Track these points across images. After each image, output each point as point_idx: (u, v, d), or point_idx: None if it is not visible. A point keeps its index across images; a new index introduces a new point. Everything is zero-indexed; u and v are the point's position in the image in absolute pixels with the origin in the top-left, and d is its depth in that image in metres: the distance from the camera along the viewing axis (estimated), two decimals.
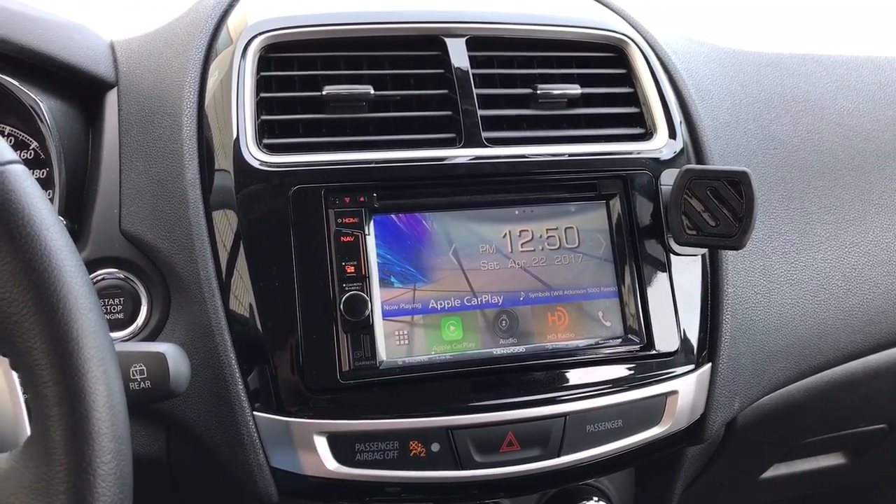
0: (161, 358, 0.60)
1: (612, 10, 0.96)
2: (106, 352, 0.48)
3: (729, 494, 1.17)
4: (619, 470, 0.92)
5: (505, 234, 0.80)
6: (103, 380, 0.46)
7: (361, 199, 0.76)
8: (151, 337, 0.78)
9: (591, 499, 0.91)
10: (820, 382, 0.94)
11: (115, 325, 0.77)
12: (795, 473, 1.15)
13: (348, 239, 0.75)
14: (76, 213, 0.80)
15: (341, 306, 0.72)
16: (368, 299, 0.73)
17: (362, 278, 0.74)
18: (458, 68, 0.83)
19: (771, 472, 1.12)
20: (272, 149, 0.77)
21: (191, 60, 0.81)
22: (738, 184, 0.77)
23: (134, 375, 0.59)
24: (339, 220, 0.75)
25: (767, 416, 0.93)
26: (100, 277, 0.77)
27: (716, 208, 0.78)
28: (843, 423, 1.07)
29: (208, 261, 0.74)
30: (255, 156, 0.75)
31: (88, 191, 0.81)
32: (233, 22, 0.84)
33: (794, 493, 1.26)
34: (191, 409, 0.76)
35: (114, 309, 0.78)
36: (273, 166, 0.75)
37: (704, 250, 0.85)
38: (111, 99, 0.83)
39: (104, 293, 0.77)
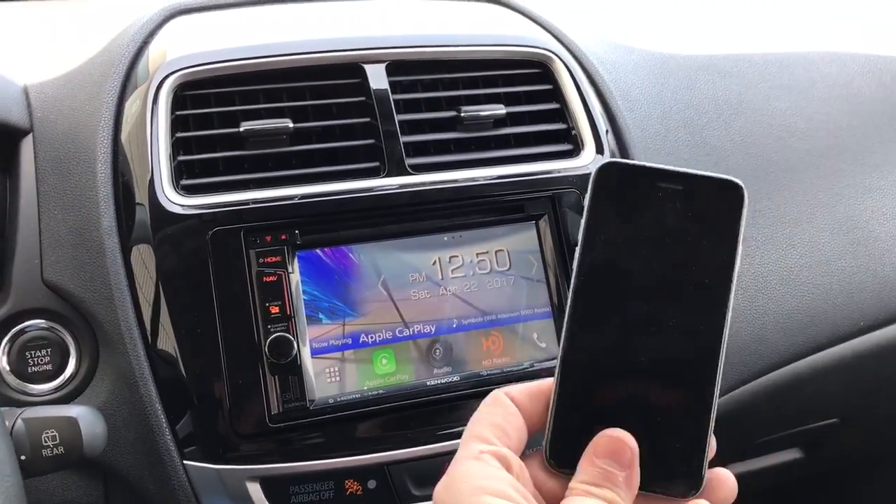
0: (73, 422, 0.59)
1: (537, 22, 0.95)
2: None
3: None
4: None
5: (434, 262, 0.79)
6: None
7: (283, 236, 0.75)
8: (82, 387, 0.76)
9: None
10: (765, 385, 0.94)
11: (44, 377, 0.76)
12: (753, 470, 1.15)
13: (271, 278, 0.74)
14: None
15: (266, 349, 0.71)
16: (295, 339, 0.72)
17: (287, 318, 0.73)
18: (379, 95, 0.81)
19: None
20: (190, 190, 0.75)
21: (104, 104, 0.79)
22: None
23: (46, 442, 0.58)
24: (261, 260, 0.74)
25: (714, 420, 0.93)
26: (25, 329, 0.76)
27: None
28: (793, 421, 1.07)
29: (128, 310, 0.73)
30: (172, 199, 0.74)
31: (8, 241, 0.79)
32: (151, 56, 0.82)
33: (758, 487, 1.26)
34: (123, 459, 0.74)
35: (41, 361, 0.76)
36: (190, 209, 0.74)
37: None
38: (27, 146, 0.80)
39: (30, 345, 0.76)
